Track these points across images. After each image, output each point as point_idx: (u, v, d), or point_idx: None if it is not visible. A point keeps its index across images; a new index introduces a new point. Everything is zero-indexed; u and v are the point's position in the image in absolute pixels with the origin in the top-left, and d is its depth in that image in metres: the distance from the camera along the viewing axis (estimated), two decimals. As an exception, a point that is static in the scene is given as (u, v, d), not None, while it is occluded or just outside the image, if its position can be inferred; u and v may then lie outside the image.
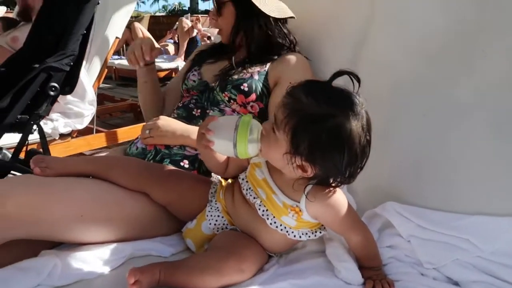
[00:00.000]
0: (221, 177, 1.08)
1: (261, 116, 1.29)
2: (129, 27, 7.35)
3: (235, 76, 1.28)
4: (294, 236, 0.90)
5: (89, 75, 2.41)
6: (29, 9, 2.22)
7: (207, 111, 1.31)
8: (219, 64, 1.38)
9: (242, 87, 1.26)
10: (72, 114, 2.34)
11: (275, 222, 0.89)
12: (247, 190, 0.93)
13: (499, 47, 1.01)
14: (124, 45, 7.44)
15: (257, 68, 1.31)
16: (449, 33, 1.11)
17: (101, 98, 4.21)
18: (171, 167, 1.09)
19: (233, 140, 0.84)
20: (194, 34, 6.91)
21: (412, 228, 0.99)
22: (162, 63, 6.66)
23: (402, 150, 1.11)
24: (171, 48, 7.56)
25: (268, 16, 1.30)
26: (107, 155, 1.28)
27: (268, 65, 1.32)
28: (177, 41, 7.48)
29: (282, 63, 1.31)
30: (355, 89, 0.81)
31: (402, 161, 1.10)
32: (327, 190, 0.85)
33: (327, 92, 0.80)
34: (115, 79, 6.73)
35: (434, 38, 1.14)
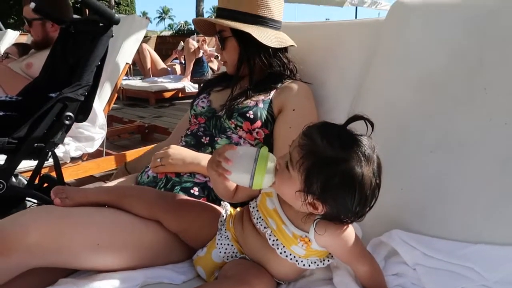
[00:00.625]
0: (229, 202, 1.11)
1: (266, 142, 1.35)
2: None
3: (241, 105, 1.34)
4: (304, 265, 0.93)
5: (99, 100, 2.48)
6: (49, 39, 2.29)
7: (216, 138, 1.35)
8: (226, 92, 1.44)
9: (247, 115, 1.31)
10: (83, 138, 2.40)
11: (284, 252, 0.92)
12: (257, 219, 0.97)
13: (500, 83, 1.05)
14: (131, 66, 7.60)
15: (262, 97, 1.36)
16: (451, 70, 1.15)
17: (110, 119, 4.28)
18: (183, 196, 1.13)
19: (251, 172, 0.87)
20: (200, 54, 7.04)
21: (418, 256, 1.01)
22: (168, 83, 6.78)
23: (408, 180, 1.14)
24: (177, 68, 7.70)
25: (268, 47, 1.35)
26: (121, 184, 1.33)
27: (272, 93, 1.37)
28: (183, 61, 7.62)
29: (284, 91, 1.36)
30: (368, 132, 0.86)
31: (408, 190, 1.13)
32: (338, 225, 0.88)
33: (341, 136, 0.84)
34: (123, 99, 6.85)
35: (436, 75, 1.18)
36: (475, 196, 1.03)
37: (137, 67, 7.53)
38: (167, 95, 6.67)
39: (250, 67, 1.40)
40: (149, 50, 7.25)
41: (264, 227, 0.95)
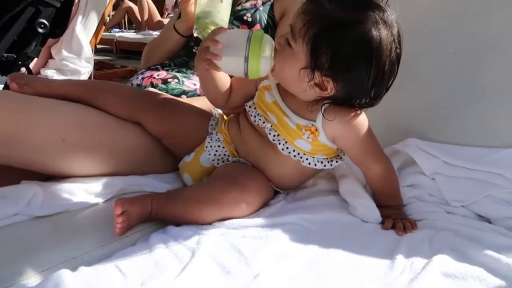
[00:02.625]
0: (223, 111, 0.97)
1: None
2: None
3: (238, 7, 1.17)
4: (309, 163, 0.80)
5: (86, 31, 2.29)
6: None
7: (208, 47, 1.19)
8: None
9: (245, 18, 1.15)
10: (68, 71, 2.23)
11: (287, 148, 0.79)
12: (255, 116, 0.83)
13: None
14: (126, 18, 7.29)
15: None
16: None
17: (100, 65, 4.09)
18: (168, 95, 0.97)
19: (244, 54, 0.72)
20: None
21: (437, 165, 0.88)
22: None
23: (426, 85, 0.99)
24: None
25: None
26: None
27: None
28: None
29: None
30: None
31: (426, 96, 0.98)
32: (349, 110, 0.75)
33: None
34: (116, 52, 6.59)
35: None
36: (505, 100, 0.88)
37: (131, 18, 7.23)
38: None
39: None
40: (148, 1, 6.93)
41: (263, 122, 0.81)
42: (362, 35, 0.66)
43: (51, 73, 2.20)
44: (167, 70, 1.16)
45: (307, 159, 0.79)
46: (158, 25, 7.14)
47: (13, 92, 0.81)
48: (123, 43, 6.38)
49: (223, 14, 1.00)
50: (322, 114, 0.74)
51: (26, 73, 1.44)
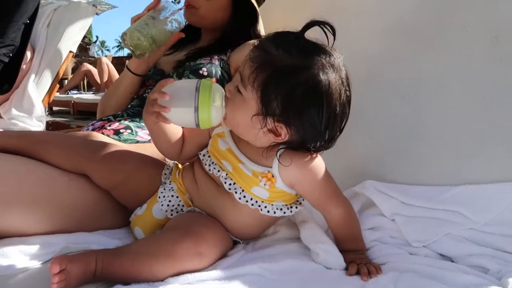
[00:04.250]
0: (177, 161, 0.93)
1: None
2: (89, 62, 7.24)
3: (193, 62, 1.18)
4: (268, 211, 0.76)
5: (38, 89, 2.22)
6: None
7: (164, 99, 1.18)
8: (175, 55, 1.28)
9: (201, 71, 1.16)
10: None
11: (244, 196, 0.76)
12: (209, 165, 0.79)
13: (475, 22, 0.97)
14: (84, 80, 7.27)
15: (217, 55, 1.22)
16: (421, 10, 1.07)
17: (55, 126, 3.96)
18: (117, 144, 0.93)
19: (194, 104, 0.69)
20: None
21: (396, 205, 0.88)
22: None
23: (378, 128, 1.02)
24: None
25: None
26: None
27: (229, 51, 1.23)
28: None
29: (245, 48, 1.23)
30: (329, 44, 0.72)
31: (379, 139, 1.01)
32: (305, 154, 0.73)
33: (300, 43, 0.69)
34: (74, 114, 6.47)
35: (405, 19, 1.09)
36: (454, 137, 0.92)
37: (90, 80, 7.22)
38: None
39: (234, 18, 1.24)
40: (107, 64, 6.98)
41: (218, 171, 0.78)
42: (311, 80, 0.66)
43: (-2, 133, 2.08)
44: (119, 121, 1.12)
45: (265, 207, 0.76)
46: (118, 86, 7.17)
47: None
48: (80, 104, 6.30)
49: (152, 31, 1.06)
50: (278, 160, 0.72)
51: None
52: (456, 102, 0.93)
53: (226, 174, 0.77)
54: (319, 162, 0.75)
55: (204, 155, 0.82)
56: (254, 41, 1.24)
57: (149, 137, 1.08)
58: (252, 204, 0.76)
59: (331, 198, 0.78)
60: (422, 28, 1.06)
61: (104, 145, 0.87)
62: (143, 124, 1.12)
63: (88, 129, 1.11)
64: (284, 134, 0.70)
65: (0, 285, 0.68)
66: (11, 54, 1.30)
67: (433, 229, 0.81)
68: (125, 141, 1.05)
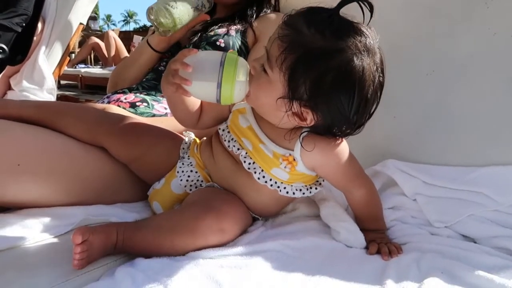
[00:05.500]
0: (194, 133, 0.92)
1: None
2: (97, 36, 7.17)
3: (211, 33, 1.15)
4: (287, 192, 0.75)
5: (49, 61, 2.19)
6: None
7: (180, 72, 1.15)
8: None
9: (218, 43, 1.13)
10: (28, 103, 2.11)
11: (263, 177, 0.74)
12: (229, 141, 0.78)
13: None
14: (92, 54, 7.23)
15: (235, 26, 1.18)
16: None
17: (64, 100, 3.96)
18: (135, 117, 0.91)
19: (217, 79, 0.66)
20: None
21: (418, 185, 0.86)
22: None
23: (402, 107, 0.99)
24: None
25: None
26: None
27: (247, 22, 1.20)
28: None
29: (262, 20, 1.20)
30: (365, 21, 0.67)
31: (403, 118, 0.98)
32: (329, 139, 0.71)
33: (334, 22, 0.64)
34: (81, 88, 6.46)
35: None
36: (480, 119, 0.89)
37: (97, 54, 7.17)
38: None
39: None
40: (115, 38, 6.91)
41: (238, 149, 0.76)
42: (344, 65, 0.62)
43: (9, 105, 2.08)
44: (135, 93, 1.10)
45: (284, 188, 0.75)
46: (125, 61, 7.12)
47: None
48: (88, 78, 6.28)
49: (180, 10, 1.04)
50: (301, 144, 0.70)
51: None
52: (481, 82, 0.90)
53: (246, 153, 0.75)
54: (343, 147, 0.72)
55: (223, 130, 0.80)
56: (274, 14, 1.21)
57: (166, 111, 1.06)
58: (271, 185, 0.74)
59: (354, 181, 0.76)
60: (445, 4, 1.02)
61: (123, 118, 0.86)
62: (160, 98, 1.10)
63: (103, 102, 1.09)
64: (310, 119, 0.67)
65: (20, 256, 0.68)
66: (23, 24, 1.27)
67: (456, 209, 0.80)
68: (141, 114, 1.03)
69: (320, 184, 0.79)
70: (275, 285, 0.61)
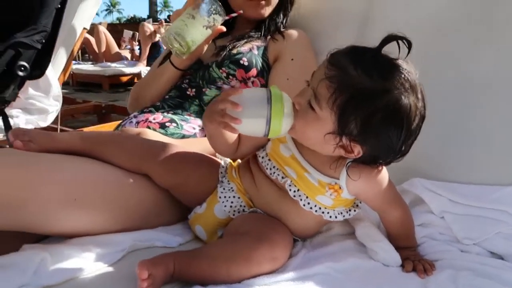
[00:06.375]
0: (230, 159, 0.95)
1: None
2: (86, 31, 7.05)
3: (233, 51, 1.18)
4: (330, 217, 0.80)
5: (54, 68, 2.19)
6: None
7: (203, 89, 1.18)
8: (212, 44, 1.27)
9: (241, 62, 1.16)
10: (35, 110, 2.10)
11: (308, 203, 0.78)
12: (271, 169, 0.81)
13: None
14: (80, 50, 7.13)
15: (256, 43, 1.21)
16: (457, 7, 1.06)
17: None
18: (174, 143, 0.94)
19: (266, 116, 0.69)
20: (157, 39, 6.72)
21: (445, 203, 0.91)
22: (124, 68, 6.42)
23: (427, 126, 1.03)
24: (129, 56, 7.38)
25: None
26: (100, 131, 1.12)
27: (267, 39, 1.23)
28: (135, 48, 7.30)
29: (282, 38, 1.22)
30: (402, 56, 0.71)
31: (428, 137, 1.02)
32: (373, 168, 0.75)
33: (379, 62, 0.69)
34: (73, 85, 6.38)
35: (446, 12, 1.09)
36: (505, 136, 0.94)
37: (87, 50, 7.07)
38: (123, 79, 6.29)
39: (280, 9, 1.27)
40: (105, 33, 6.81)
41: (282, 177, 0.80)
42: (392, 104, 0.66)
43: (16, 113, 2.06)
44: (162, 113, 1.13)
45: (328, 212, 0.79)
46: (117, 57, 7.04)
47: (18, 151, 0.75)
48: (80, 75, 6.21)
49: (191, 33, 1.05)
50: (347, 174, 0.74)
51: (1, 119, 1.35)
52: (505, 100, 0.95)
53: (291, 181, 0.79)
54: (384, 174, 0.77)
55: (263, 158, 0.84)
56: (295, 31, 1.24)
57: (194, 131, 1.09)
58: (316, 211, 0.79)
59: (391, 203, 0.81)
60: (463, 22, 1.06)
61: (164, 146, 0.89)
62: (187, 117, 1.13)
63: (131, 122, 1.12)
64: (357, 152, 0.71)
65: (77, 285, 0.71)
66: (43, 41, 1.28)
67: (482, 227, 0.85)
68: (172, 135, 1.06)
69: (357, 206, 0.84)
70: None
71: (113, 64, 6.53)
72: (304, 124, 0.72)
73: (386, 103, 0.66)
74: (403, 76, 0.68)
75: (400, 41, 0.70)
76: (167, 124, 1.08)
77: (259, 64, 1.17)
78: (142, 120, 1.10)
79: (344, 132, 0.68)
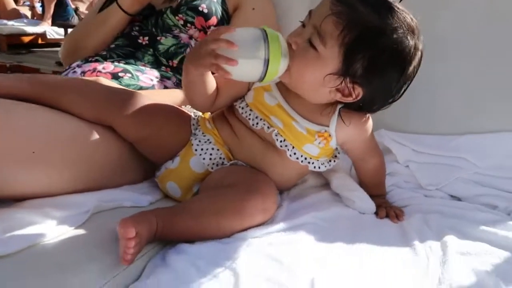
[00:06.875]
0: (203, 112, 0.88)
1: None
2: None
3: None
4: (314, 167, 0.78)
5: None
6: None
7: (158, 37, 1.07)
8: None
9: (200, 8, 1.06)
10: None
11: (295, 153, 0.76)
12: (254, 119, 0.76)
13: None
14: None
15: None
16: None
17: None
18: (141, 93, 0.83)
19: (264, 56, 0.63)
20: (63, -5, 6.02)
21: (408, 153, 0.96)
22: (25, 27, 5.66)
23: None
24: (28, 13, 6.52)
25: None
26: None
27: None
28: (36, 5, 6.48)
29: None
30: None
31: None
32: (362, 115, 0.75)
33: (386, 1, 0.67)
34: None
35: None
36: (460, 91, 1.00)
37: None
38: (25, 39, 5.54)
39: None
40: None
41: (268, 127, 0.76)
42: (398, 44, 0.65)
43: None
44: (112, 62, 1.00)
45: (313, 163, 0.78)
46: (14, 14, 6.19)
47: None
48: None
49: None
50: (341, 119, 0.73)
51: None
52: (460, 55, 1.00)
53: (277, 131, 0.75)
54: (371, 122, 0.78)
55: (243, 108, 0.78)
56: None
57: (152, 82, 0.99)
58: (302, 161, 0.77)
59: (373, 150, 0.83)
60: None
61: (130, 95, 0.78)
62: (142, 68, 1.02)
63: (74, 72, 0.97)
64: (356, 95, 0.69)
65: (49, 254, 0.60)
66: None
67: (443, 174, 0.91)
68: (127, 86, 0.94)
69: (336, 156, 0.83)
70: (326, 257, 0.64)
71: (10, 22, 5.71)
72: (303, 65, 0.67)
73: (394, 42, 0.65)
74: (406, 18, 0.67)
75: None
76: (120, 74, 0.96)
77: (219, 12, 1.09)
78: (89, 70, 0.96)
79: (348, 73, 0.66)
